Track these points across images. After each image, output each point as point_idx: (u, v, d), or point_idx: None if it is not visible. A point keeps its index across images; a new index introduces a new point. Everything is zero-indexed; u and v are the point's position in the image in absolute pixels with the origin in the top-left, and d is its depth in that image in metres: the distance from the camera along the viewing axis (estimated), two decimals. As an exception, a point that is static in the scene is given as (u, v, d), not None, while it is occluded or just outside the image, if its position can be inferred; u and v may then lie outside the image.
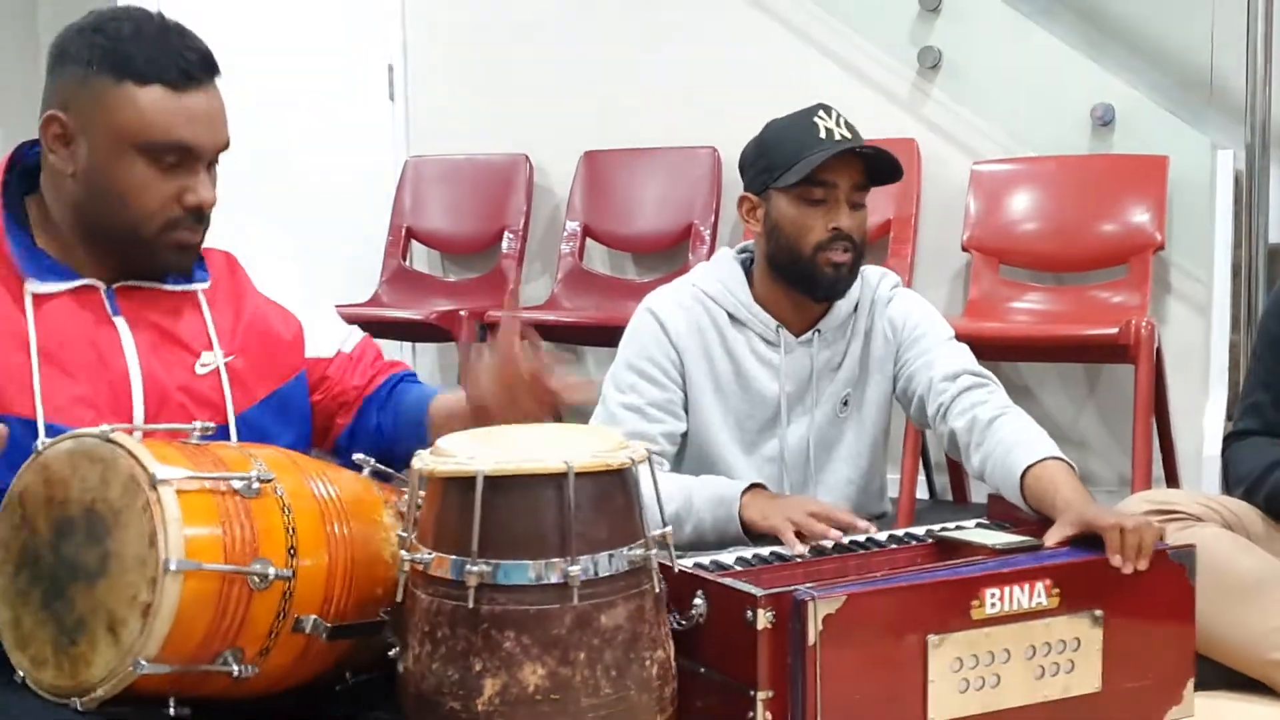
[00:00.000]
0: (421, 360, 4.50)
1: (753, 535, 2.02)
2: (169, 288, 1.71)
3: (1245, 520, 2.16)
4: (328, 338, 1.87)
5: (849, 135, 2.13)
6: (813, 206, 2.13)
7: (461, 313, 3.91)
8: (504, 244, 4.25)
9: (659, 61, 4.12)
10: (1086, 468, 3.63)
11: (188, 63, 1.61)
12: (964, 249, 3.68)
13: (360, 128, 4.52)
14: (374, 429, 1.85)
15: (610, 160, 4.18)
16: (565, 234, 4.19)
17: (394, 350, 4.29)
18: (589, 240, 4.20)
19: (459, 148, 4.42)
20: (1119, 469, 3.59)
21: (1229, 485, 2.24)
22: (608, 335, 3.80)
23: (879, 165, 2.17)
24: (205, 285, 1.74)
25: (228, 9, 4.37)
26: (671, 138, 4.08)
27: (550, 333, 4.08)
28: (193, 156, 1.62)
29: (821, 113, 2.14)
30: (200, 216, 1.65)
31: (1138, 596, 1.75)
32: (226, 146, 1.67)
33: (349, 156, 4.51)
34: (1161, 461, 3.41)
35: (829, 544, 1.93)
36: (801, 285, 2.18)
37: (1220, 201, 3.51)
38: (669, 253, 4.09)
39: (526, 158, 4.28)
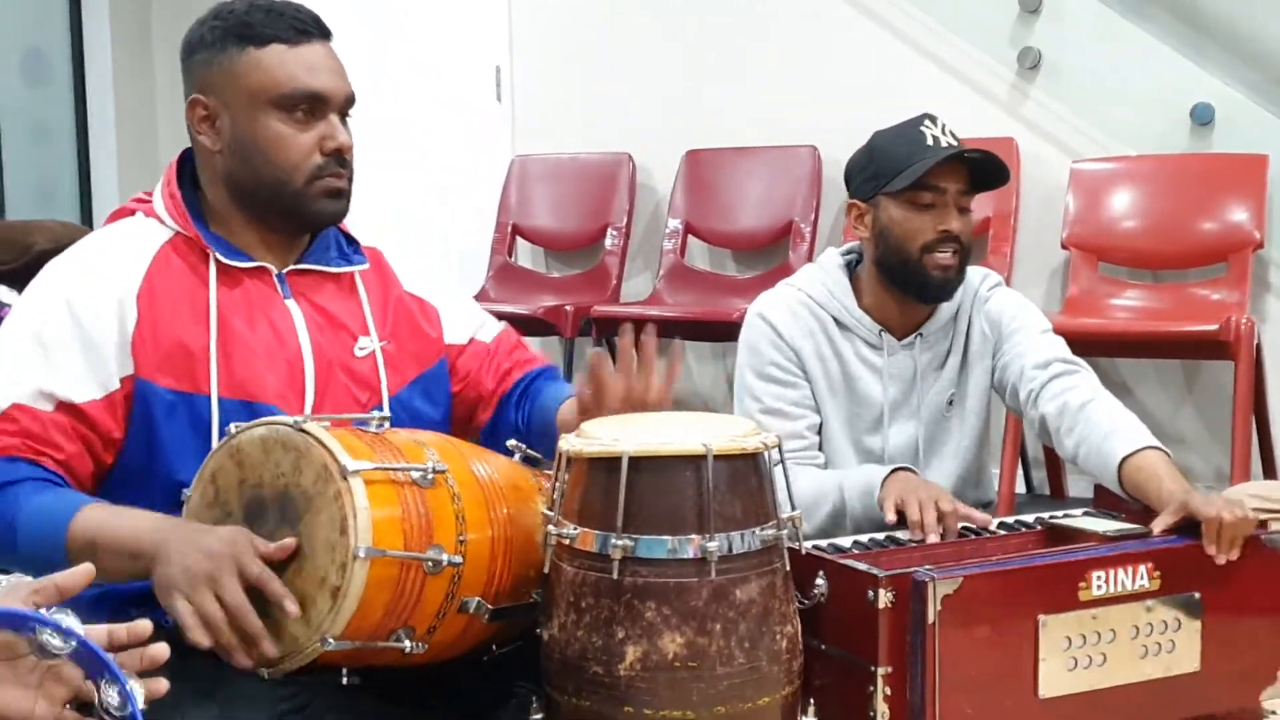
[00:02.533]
0: (526, 354, 4.62)
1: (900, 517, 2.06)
2: (333, 270, 1.83)
3: (1347, 513, 2.20)
4: (462, 323, 1.96)
5: (954, 143, 2.20)
6: (921, 211, 2.21)
7: (566, 308, 4.02)
8: (607, 241, 4.35)
9: (759, 61, 4.20)
10: (1185, 463, 3.65)
11: (300, 21, 1.74)
12: (1063, 246, 3.72)
13: (468, 128, 4.65)
14: (512, 426, 1.93)
15: (711, 159, 4.27)
16: (667, 231, 4.28)
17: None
18: (690, 237, 4.29)
19: (563, 147, 4.53)
20: (1217, 464, 3.62)
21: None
22: (708, 330, 3.92)
23: (984, 171, 2.24)
24: (365, 266, 1.86)
25: (340, 13, 4.51)
26: (772, 137, 4.16)
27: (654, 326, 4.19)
28: (322, 104, 1.74)
29: (928, 121, 2.23)
30: (343, 161, 1.75)
31: (1235, 581, 1.81)
32: (353, 98, 1.78)
33: (458, 156, 4.65)
34: (1260, 457, 3.44)
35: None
36: (910, 288, 2.26)
37: (1323, 200, 3.53)
38: (769, 250, 4.17)
39: (629, 156, 4.38)
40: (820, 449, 2.32)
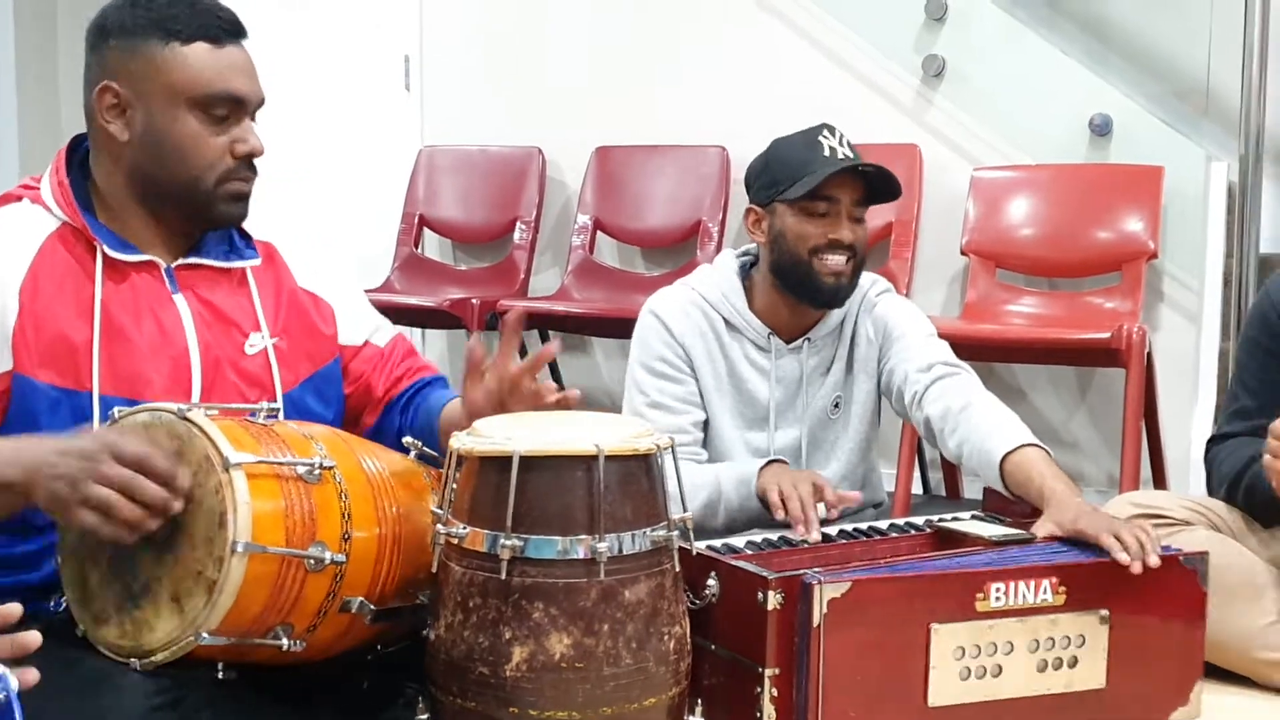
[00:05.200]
0: (431, 347, 4.59)
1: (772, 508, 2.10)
2: (223, 265, 1.80)
3: (1229, 521, 2.25)
4: (359, 324, 1.95)
5: (851, 154, 2.24)
6: (815, 219, 2.25)
7: (473, 301, 4.00)
8: (515, 235, 4.34)
9: (671, 60, 4.21)
10: (1077, 468, 3.74)
11: (224, 21, 1.73)
12: (963, 253, 3.78)
13: (376, 117, 4.61)
14: (395, 431, 1.91)
15: (622, 156, 4.27)
16: (576, 227, 4.28)
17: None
18: (599, 234, 4.29)
19: (473, 139, 4.50)
20: (1108, 470, 3.70)
21: (1211, 487, 2.33)
22: (615, 327, 3.92)
23: (878, 183, 2.28)
24: (256, 262, 1.83)
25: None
26: (682, 136, 4.17)
27: (559, 323, 4.19)
28: (239, 107, 1.73)
29: (826, 132, 2.26)
30: (251, 165, 1.75)
31: (1147, 599, 1.82)
32: (264, 101, 1.77)
33: (364, 145, 4.60)
34: (1150, 464, 3.51)
35: (834, 531, 2.04)
36: (803, 293, 2.29)
37: (1213, 212, 3.61)
38: (677, 248, 4.18)
39: (539, 150, 4.36)
40: (705, 446, 2.35)
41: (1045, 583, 1.77)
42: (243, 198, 1.76)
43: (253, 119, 1.76)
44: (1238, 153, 3.64)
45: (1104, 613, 1.80)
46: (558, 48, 4.38)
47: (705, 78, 4.15)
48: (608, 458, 1.52)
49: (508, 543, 1.50)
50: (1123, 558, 1.80)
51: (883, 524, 2.10)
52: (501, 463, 1.52)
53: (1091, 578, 1.80)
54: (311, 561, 1.49)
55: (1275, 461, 1.98)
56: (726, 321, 2.36)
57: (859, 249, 2.27)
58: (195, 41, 1.70)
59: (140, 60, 1.70)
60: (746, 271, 2.39)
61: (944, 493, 3.74)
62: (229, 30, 1.73)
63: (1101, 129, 3.70)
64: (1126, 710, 1.84)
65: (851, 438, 2.38)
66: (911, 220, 3.82)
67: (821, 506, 2.04)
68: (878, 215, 3.80)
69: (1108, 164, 3.72)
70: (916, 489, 3.70)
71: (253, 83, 1.75)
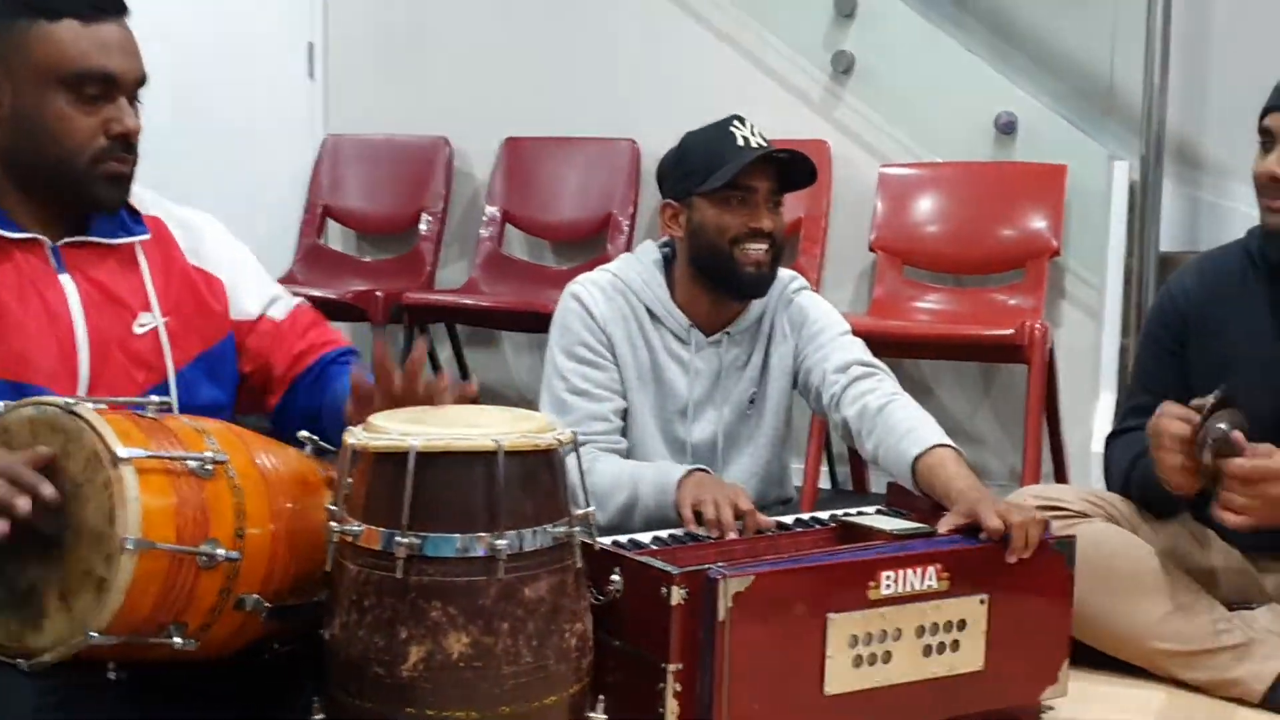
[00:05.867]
0: (335, 340, 4.52)
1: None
2: (111, 242, 1.75)
3: (1125, 514, 2.28)
4: (252, 298, 1.89)
5: (764, 143, 2.25)
6: (733, 209, 2.24)
7: (377, 293, 3.94)
8: (422, 226, 4.28)
9: (580, 53, 4.18)
10: (981, 462, 3.78)
11: None
12: (871, 249, 3.80)
13: (278, 105, 4.52)
14: (303, 412, 1.87)
15: (531, 148, 4.23)
16: (484, 219, 4.24)
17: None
18: (508, 226, 4.25)
19: (378, 128, 4.44)
20: (1011, 464, 3.74)
21: (1109, 481, 2.36)
22: (524, 321, 3.88)
23: (793, 172, 2.28)
24: (146, 237, 1.78)
25: (148, -19, 4.34)
26: (592, 128, 4.15)
27: (466, 317, 4.15)
28: (112, 86, 1.68)
29: (737, 122, 2.26)
30: (128, 145, 1.70)
31: (1020, 582, 1.87)
32: (144, 79, 1.72)
33: (266, 133, 4.50)
34: (1051, 458, 3.56)
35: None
36: (724, 284, 2.29)
37: (1115, 210, 3.67)
38: (587, 241, 4.15)
39: (446, 140, 4.31)
40: (624, 434, 2.33)
41: (930, 569, 1.80)
42: (120, 179, 1.71)
43: (133, 99, 1.71)
44: (1139, 152, 3.70)
45: (983, 597, 1.84)
46: (466, 36, 4.33)
47: (616, 70, 4.13)
48: (508, 453, 1.50)
49: (404, 541, 1.47)
50: (992, 526, 1.83)
51: (788, 519, 2.10)
52: (398, 459, 1.49)
53: (971, 563, 1.84)
54: (204, 559, 1.46)
55: (1164, 455, 2.02)
56: (649, 310, 2.34)
57: (778, 237, 2.27)
58: (63, 19, 1.65)
59: (8, 39, 1.66)
60: (667, 264, 2.38)
61: (851, 487, 3.76)
62: (101, 6, 1.68)
63: (1007, 128, 3.74)
64: (1002, 690, 1.89)
65: (766, 433, 2.38)
66: (821, 216, 3.83)
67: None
68: (787, 211, 3.80)
69: (1013, 162, 3.77)
70: (825, 483, 3.72)
71: (128, 60, 1.69)
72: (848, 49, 3.86)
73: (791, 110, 3.89)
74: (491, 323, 4.18)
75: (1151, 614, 2.15)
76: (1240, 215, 3.52)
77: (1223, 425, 1.97)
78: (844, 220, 3.85)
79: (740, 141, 2.23)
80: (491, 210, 4.24)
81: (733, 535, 1.96)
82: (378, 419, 1.58)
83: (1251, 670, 2.08)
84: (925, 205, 3.81)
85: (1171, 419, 2.03)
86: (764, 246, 2.24)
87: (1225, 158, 3.73)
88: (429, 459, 1.48)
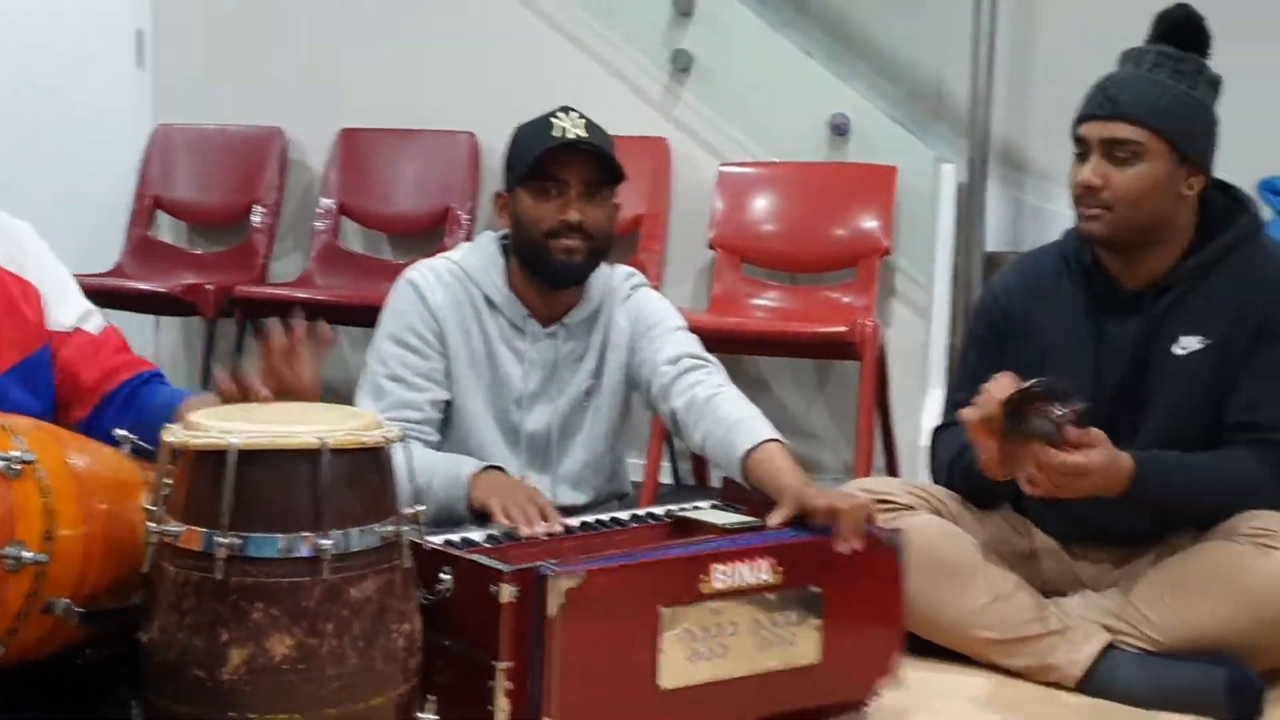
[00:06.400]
0: (165, 335, 4.40)
1: (479, 516, 2.08)
2: None
3: (949, 506, 2.35)
4: (68, 310, 1.84)
5: (585, 135, 2.21)
6: (546, 200, 2.23)
7: (207, 286, 3.85)
8: (254, 218, 4.18)
9: (419, 44, 4.13)
10: (815, 457, 3.85)
11: None
12: (710, 247, 3.83)
13: (105, 94, 4.36)
14: (108, 429, 1.77)
15: (368, 139, 4.17)
16: (320, 211, 4.16)
17: (136, 324, 4.18)
18: (344, 219, 4.18)
19: (210, 118, 4.33)
20: (844, 458, 3.81)
21: (933, 473, 2.43)
22: (361, 315, 3.81)
23: (613, 164, 2.26)
24: None
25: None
26: (430, 120, 4.10)
27: (303, 311, 4.05)
28: None
29: (560, 113, 2.24)
30: None
31: (853, 575, 1.89)
32: None
33: (92, 123, 4.34)
34: (884, 452, 3.65)
35: (575, 523, 2.03)
36: (541, 274, 2.28)
37: (943, 212, 3.76)
38: (425, 235, 4.11)
39: (280, 131, 4.22)
40: (450, 425, 2.31)
41: (764, 562, 1.82)
42: None
43: None
44: (966, 155, 3.81)
45: (816, 590, 1.86)
46: (301, 25, 4.25)
47: (455, 62, 4.09)
48: (333, 451, 1.47)
49: (224, 541, 1.44)
50: (822, 505, 1.87)
51: (624, 514, 2.11)
52: (218, 457, 1.45)
53: (804, 556, 1.86)
54: (9, 561, 1.41)
55: (980, 445, 2.07)
56: (487, 298, 2.32)
57: (591, 230, 2.24)
58: None
59: None
60: (506, 254, 2.36)
61: (693, 482, 3.79)
62: None
63: (840, 129, 3.82)
64: (837, 683, 1.91)
65: (601, 426, 2.38)
66: (660, 213, 3.85)
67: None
68: (628, 207, 3.83)
69: (845, 163, 3.84)
70: (667, 478, 3.75)
71: None
72: (686, 48, 3.89)
73: (631, 107, 3.91)
74: (327, 316, 4.02)
75: (973, 603, 2.21)
76: (1062, 217, 3.61)
77: (1060, 412, 2.02)
78: (684, 217, 3.88)
79: (556, 132, 2.21)
80: (327, 202, 4.16)
81: (532, 531, 1.95)
82: (198, 416, 1.54)
83: (1068, 656, 2.16)
84: (762, 204, 3.86)
85: (983, 401, 2.08)
86: (575, 240, 2.22)
87: (1048, 162, 3.86)
88: (250, 457, 1.45)
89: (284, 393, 1.68)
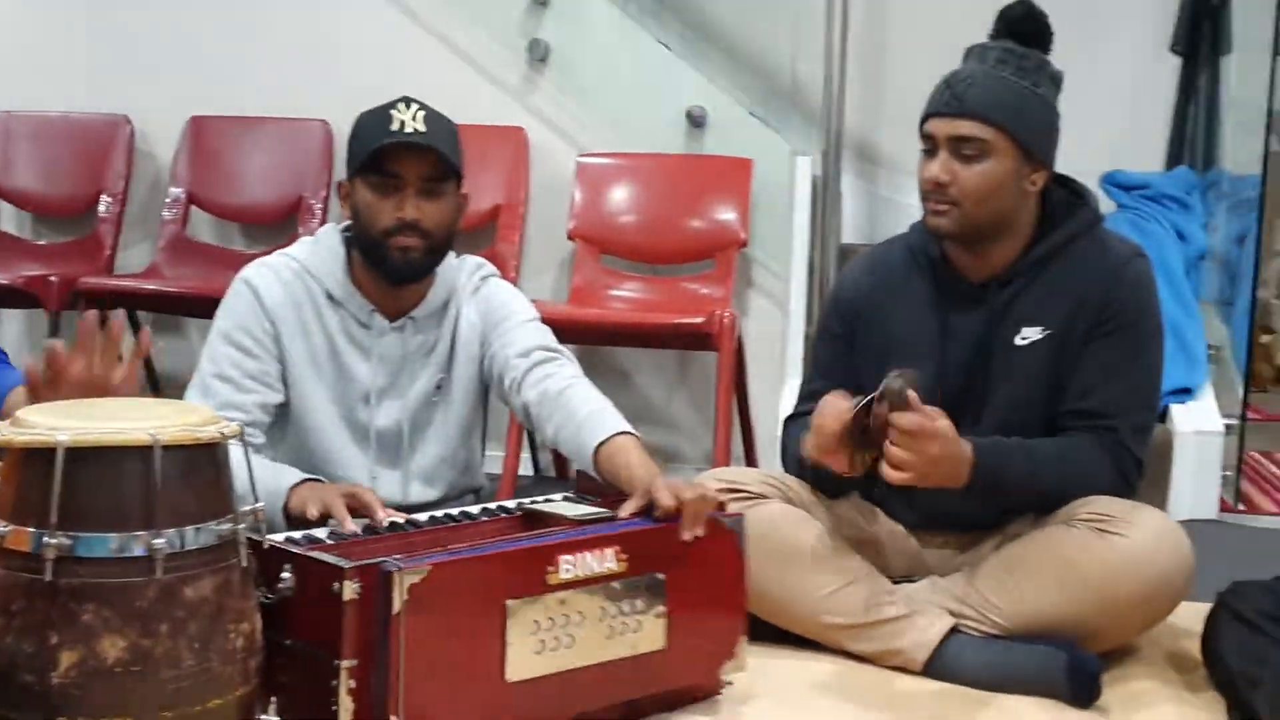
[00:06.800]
0: (8, 328, 4.25)
1: (297, 525, 2.03)
2: None
3: (801, 495, 2.38)
4: None
5: (423, 129, 2.16)
6: (383, 196, 2.18)
7: (51, 278, 3.73)
8: (100, 208, 4.06)
9: (271, 30, 4.04)
10: (676, 447, 3.87)
11: None
12: (570, 238, 3.83)
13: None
14: None
15: (218, 127, 4.08)
16: (168, 201, 4.06)
17: (-26, 316, 4.03)
18: (194, 208, 4.08)
19: (52, 105, 4.19)
20: (705, 448, 3.84)
21: (785, 463, 2.46)
22: (211, 307, 3.69)
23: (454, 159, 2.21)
24: None
25: None
26: (282, 108, 4.02)
27: (149, 303, 3.95)
28: None
29: (400, 105, 2.18)
30: None
31: (696, 561, 1.91)
32: None
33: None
34: (742, 442, 3.68)
35: (424, 518, 2.01)
36: (379, 269, 2.23)
37: (798, 204, 3.81)
38: (278, 224, 4.03)
39: (127, 119, 4.10)
40: (276, 432, 2.27)
41: (609, 551, 1.83)
42: None
43: None
44: (821, 148, 3.86)
45: (660, 576, 1.88)
46: (147, 10, 4.13)
47: (308, 49, 4.02)
48: (166, 448, 1.44)
49: (53, 541, 1.40)
50: (665, 504, 1.88)
51: (474, 508, 2.10)
52: (46, 455, 1.41)
53: (648, 543, 1.88)
54: None
55: (827, 458, 2.11)
56: (329, 294, 2.27)
57: (429, 228, 2.20)
58: None
59: None
60: (349, 247, 2.31)
61: (554, 473, 3.78)
62: None
63: (698, 121, 3.84)
64: (684, 668, 1.94)
65: (453, 421, 2.35)
66: (519, 204, 3.84)
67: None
68: (485, 197, 3.82)
69: (703, 155, 3.87)
70: (528, 470, 3.73)
71: None
72: (542, 37, 3.87)
73: (488, 96, 3.88)
74: (176, 308, 4.00)
75: (821, 589, 2.24)
76: (915, 210, 3.69)
77: (899, 381, 2.07)
78: (543, 208, 3.87)
79: (395, 125, 2.15)
80: (176, 191, 4.06)
81: (353, 528, 1.92)
82: (27, 413, 1.50)
83: (913, 640, 2.20)
84: (621, 195, 3.87)
85: (831, 415, 2.11)
86: (412, 238, 2.18)
87: (900, 155, 3.93)
88: (79, 455, 1.41)
89: (90, 384, 1.62)
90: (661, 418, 3.87)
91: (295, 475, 2.12)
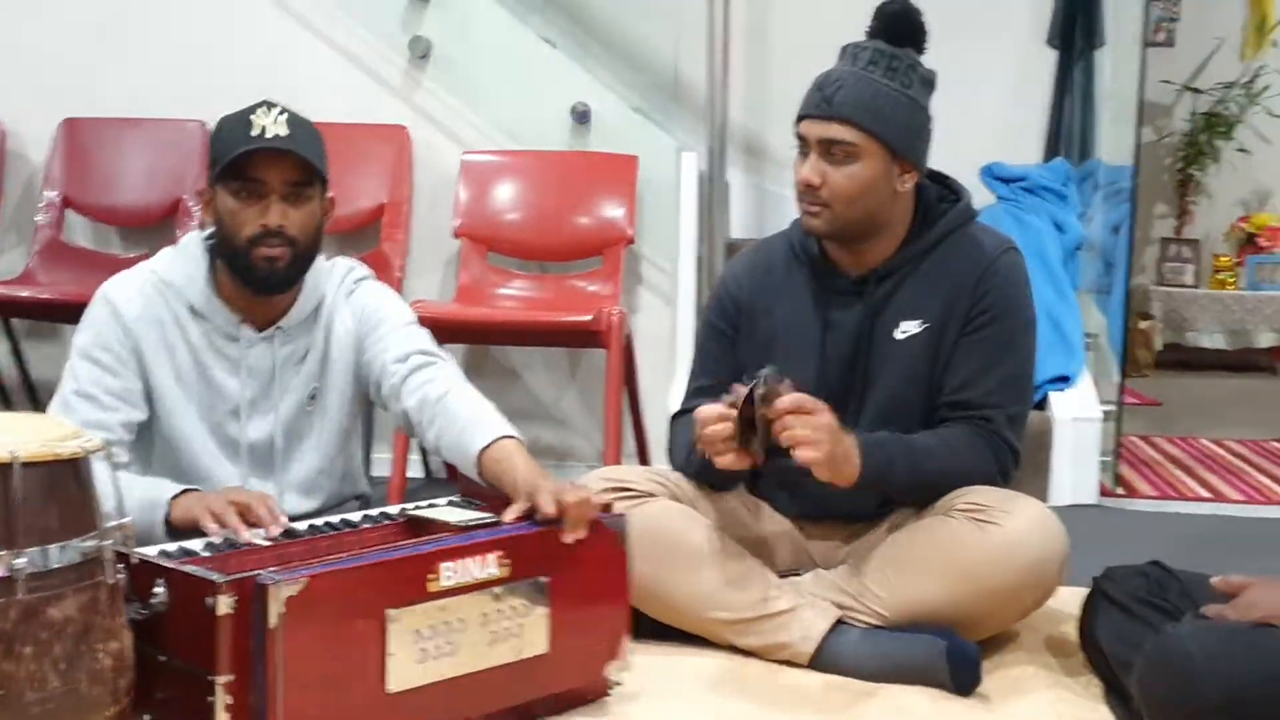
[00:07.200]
0: None
1: (180, 536, 1.99)
2: None
3: (687, 491, 2.38)
4: None
5: (285, 133, 2.11)
6: (248, 203, 2.13)
7: (-79, 285, 3.61)
8: (-28, 213, 3.94)
9: (144, 29, 3.95)
10: (569, 445, 3.87)
11: None
12: (455, 236, 3.80)
13: None
14: None
15: (92, 129, 3.97)
16: (42, 204, 3.95)
17: None
18: (69, 212, 3.98)
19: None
20: (597, 445, 3.84)
21: (672, 460, 2.46)
22: (86, 313, 3.64)
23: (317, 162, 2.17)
24: None
25: None
26: (159, 109, 3.94)
27: (24, 310, 3.85)
28: None
29: (261, 109, 2.13)
30: None
31: (578, 562, 1.91)
32: None
33: None
34: (635, 439, 3.69)
35: (303, 526, 1.98)
36: (244, 278, 2.19)
37: (685, 200, 3.83)
38: (156, 227, 3.94)
39: (-3, 122, 3.99)
40: (143, 450, 2.22)
41: (491, 557, 1.82)
42: None
43: None
44: (706, 143, 3.88)
45: (544, 580, 1.87)
46: (16, 10, 4.01)
47: (183, 48, 3.93)
48: (25, 464, 1.40)
49: (-95, 564, 1.35)
50: (546, 511, 1.88)
51: (356, 516, 2.07)
52: (-104, 475, 1.36)
53: (531, 547, 1.87)
54: None
55: (719, 457, 2.12)
56: (192, 308, 2.22)
57: (294, 234, 2.15)
58: None
59: None
60: (213, 256, 2.26)
61: (444, 475, 3.76)
62: None
63: (582, 118, 3.84)
64: (568, 670, 1.93)
65: (329, 429, 2.31)
66: (402, 202, 3.80)
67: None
68: (368, 197, 3.78)
69: (588, 152, 3.86)
70: (417, 472, 3.70)
71: None
72: (424, 34, 3.83)
73: (370, 94, 3.84)
74: (52, 315, 3.89)
75: (708, 585, 2.25)
76: (800, 205, 3.76)
77: (770, 368, 2.08)
78: (428, 207, 3.83)
79: (255, 130, 2.10)
80: (50, 195, 3.95)
81: (247, 536, 1.90)
82: (-124, 432, 1.44)
83: (800, 633, 2.21)
84: (507, 193, 3.85)
85: (712, 423, 2.12)
86: (277, 247, 2.14)
87: (787, 151, 3.93)
88: (-68, 475, 1.36)
89: None
90: (553, 416, 3.86)
91: (174, 486, 2.08)
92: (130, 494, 2.01)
